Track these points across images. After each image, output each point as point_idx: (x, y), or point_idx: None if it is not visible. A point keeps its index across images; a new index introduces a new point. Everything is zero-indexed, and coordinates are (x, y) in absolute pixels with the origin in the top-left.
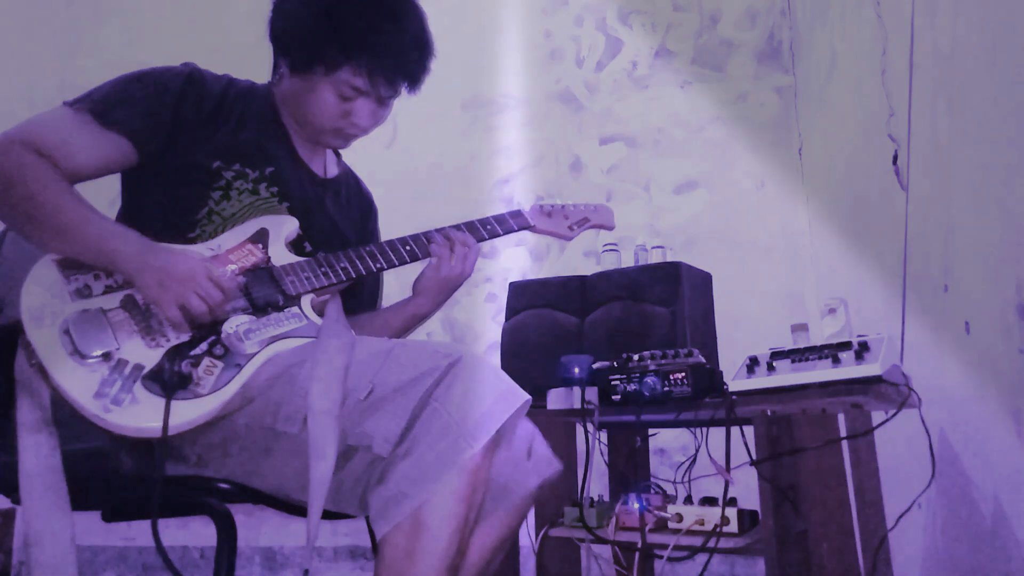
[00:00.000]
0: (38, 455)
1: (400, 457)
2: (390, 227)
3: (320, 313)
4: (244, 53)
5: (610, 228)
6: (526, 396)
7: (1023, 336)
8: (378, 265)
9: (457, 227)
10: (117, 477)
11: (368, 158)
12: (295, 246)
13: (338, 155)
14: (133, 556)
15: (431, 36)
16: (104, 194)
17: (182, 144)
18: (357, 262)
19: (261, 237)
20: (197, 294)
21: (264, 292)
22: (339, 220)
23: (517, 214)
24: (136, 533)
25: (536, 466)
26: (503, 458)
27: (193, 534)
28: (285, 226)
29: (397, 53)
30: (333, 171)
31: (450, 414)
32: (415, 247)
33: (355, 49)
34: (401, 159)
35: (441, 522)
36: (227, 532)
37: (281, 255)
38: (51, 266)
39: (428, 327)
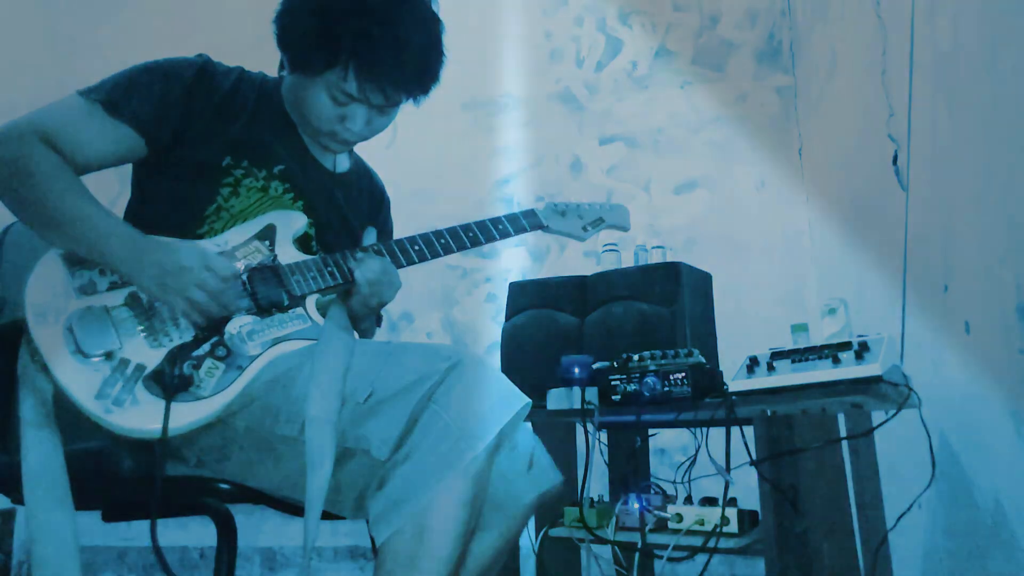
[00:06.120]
0: (41, 451)
1: (400, 461)
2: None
3: (324, 314)
4: (245, 53)
5: (625, 229)
6: (527, 399)
7: (1023, 336)
8: None
9: (467, 227)
10: (117, 477)
11: (368, 158)
12: (303, 244)
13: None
14: (133, 556)
15: (439, 49)
16: (108, 186)
17: (192, 138)
18: None
19: (268, 234)
20: (197, 286)
21: (269, 292)
22: (349, 215)
23: (530, 213)
24: (136, 533)
25: (536, 478)
26: (503, 469)
27: (193, 534)
28: (293, 222)
29: (391, 64)
30: (345, 165)
31: (450, 416)
32: (424, 247)
33: (343, 55)
34: (401, 159)
35: (445, 526)
36: (227, 532)
37: (288, 253)
38: (57, 261)
39: (428, 327)
